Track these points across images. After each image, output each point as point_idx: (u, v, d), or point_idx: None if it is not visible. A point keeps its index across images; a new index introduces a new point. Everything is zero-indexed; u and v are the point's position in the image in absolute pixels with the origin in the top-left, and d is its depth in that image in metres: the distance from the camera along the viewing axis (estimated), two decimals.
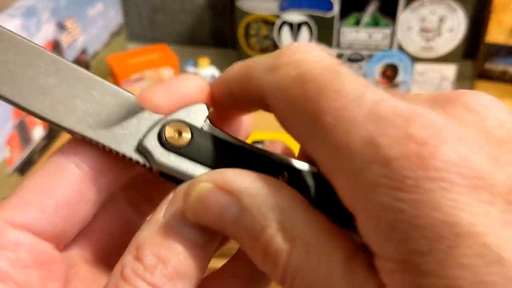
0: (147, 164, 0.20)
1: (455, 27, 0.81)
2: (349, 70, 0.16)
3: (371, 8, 0.81)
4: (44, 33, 0.71)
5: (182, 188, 0.18)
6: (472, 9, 0.79)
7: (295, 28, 0.84)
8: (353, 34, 0.84)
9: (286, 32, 0.85)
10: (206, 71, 0.82)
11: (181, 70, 0.85)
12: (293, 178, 0.19)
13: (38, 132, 0.72)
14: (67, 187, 0.19)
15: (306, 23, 0.83)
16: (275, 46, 0.86)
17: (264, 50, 0.87)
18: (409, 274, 0.14)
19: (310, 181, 0.19)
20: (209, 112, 0.20)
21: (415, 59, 0.85)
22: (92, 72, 0.21)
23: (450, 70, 0.85)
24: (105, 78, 0.21)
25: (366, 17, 0.82)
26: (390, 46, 0.84)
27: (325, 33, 0.84)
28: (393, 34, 0.83)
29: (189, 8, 1.02)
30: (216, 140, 0.20)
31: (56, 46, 0.75)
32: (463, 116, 0.15)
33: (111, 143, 0.19)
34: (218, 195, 0.17)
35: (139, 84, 0.83)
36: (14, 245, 0.18)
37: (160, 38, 1.04)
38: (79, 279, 0.20)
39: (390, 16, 0.81)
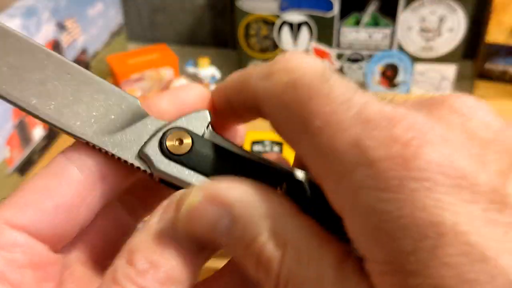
0: (148, 171, 0.20)
1: (455, 27, 0.81)
2: (339, 76, 0.17)
3: (371, 8, 0.81)
4: (44, 33, 0.71)
5: (174, 197, 0.18)
6: (472, 9, 0.79)
7: (295, 28, 0.84)
8: (353, 34, 0.84)
9: (286, 32, 0.85)
10: (206, 71, 0.82)
11: (181, 70, 0.85)
12: (292, 186, 0.19)
13: (38, 132, 0.72)
14: (69, 190, 0.19)
15: (306, 23, 0.83)
16: (275, 46, 0.86)
17: (264, 50, 0.87)
18: (397, 275, 0.14)
19: (308, 189, 0.19)
20: (211, 119, 0.21)
21: (415, 59, 0.85)
22: (98, 75, 0.21)
23: (450, 70, 0.85)
24: (105, 78, 0.21)
25: (366, 17, 0.82)
26: (390, 46, 0.84)
27: (325, 33, 0.84)
28: (393, 34, 0.83)
29: (189, 8, 1.02)
30: (216, 148, 0.20)
31: (56, 46, 0.75)
32: (448, 118, 0.15)
33: (114, 149, 0.20)
34: (209, 206, 0.17)
35: (139, 84, 0.83)
36: (11, 246, 0.18)
37: (160, 38, 1.04)
38: (73, 281, 0.20)
39: (390, 16, 0.81)
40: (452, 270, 0.13)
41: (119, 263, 0.17)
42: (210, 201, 0.17)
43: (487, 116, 0.16)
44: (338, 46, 0.85)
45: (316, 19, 0.83)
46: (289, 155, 0.22)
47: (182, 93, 0.21)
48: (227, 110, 0.21)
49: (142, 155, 0.20)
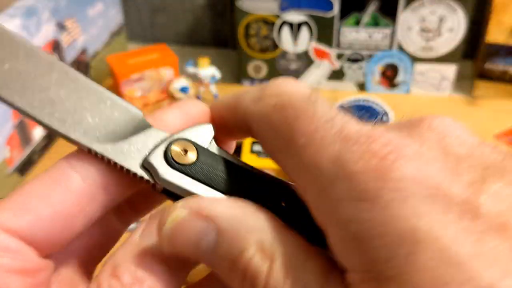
0: (151, 181, 0.20)
1: (455, 27, 0.81)
2: (324, 99, 0.18)
3: (371, 8, 0.81)
4: (44, 33, 0.71)
5: (157, 212, 0.19)
6: (472, 9, 0.79)
7: (295, 28, 0.84)
8: (353, 34, 0.84)
9: (286, 32, 0.85)
10: (206, 71, 0.82)
11: (181, 70, 0.85)
12: (293, 198, 0.19)
13: (38, 132, 0.72)
14: (68, 198, 0.19)
15: (306, 23, 0.83)
16: (275, 46, 0.86)
17: (264, 50, 0.87)
18: (375, 283, 0.14)
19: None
20: (214, 133, 0.21)
21: (415, 59, 0.85)
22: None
23: (450, 70, 0.85)
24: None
25: (366, 17, 0.82)
26: (390, 46, 0.84)
27: (325, 33, 0.84)
28: (393, 34, 0.83)
29: (189, 8, 1.02)
30: (221, 161, 0.20)
31: (56, 46, 0.75)
32: (425, 136, 0.16)
33: (117, 158, 0.19)
34: (194, 221, 0.17)
35: (139, 84, 0.83)
36: (2, 250, 0.18)
37: (160, 38, 1.04)
38: (60, 285, 0.20)
39: (390, 16, 0.81)
40: (427, 275, 0.14)
41: (103, 276, 0.18)
42: (195, 216, 0.17)
43: (463, 134, 0.17)
44: (338, 46, 0.85)
45: (316, 19, 0.83)
46: None
47: (188, 107, 0.22)
48: (221, 127, 0.22)
49: (146, 165, 0.19)
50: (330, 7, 0.82)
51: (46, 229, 0.18)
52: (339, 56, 0.86)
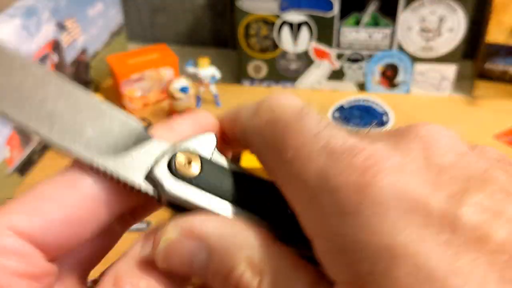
0: (156, 195, 0.19)
1: (455, 27, 0.81)
2: (315, 113, 0.18)
3: (371, 8, 0.81)
4: (44, 33, 0.71)
5: (154, 228, 0.19)
6: (472, 9, 0.79)
7: (295, 28, 0.84)
8: (353, 34, 0.84)
9: (286, 32, 0.85)
10: (206, 71, 0.82)
11: (181, 70, 0.85)
12: None
13: None
14: (81, 204, 0.19)
15: (306, 23, 0.83)
16: (275, 46, 0.86)
17: (264, 50, 0.87)
18: None
19: None
20: (216, 142, 0.21)
21: (415, 59, 0.85)
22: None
23: (450, 70, 0.85)
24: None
25: (366, 17, 0.82)
26: (390, 46, 0.84)
27: (325, 33, 0.84)
28: (393, 34, 0.83)
29: (189, 8, 1.02)
30: (225, 170, 0.20)
31: (56, 46, 0.75)
32: (410, 145, 0.16)
33: (120, 172, 0.19)
34: (185, 242, 0.18)
35: (139, 84, 0.83)
36: (9, 253, 0.17)
37: (160, 38, 1.04)
38: None
39: (390, 16, 0.81)
40: None
41: (106, 287, 0.18)
42: (186, 236, 0.18)
43: (450, 143, 0.17)
44: (338, 46, 0.85)
45: (316, 19, 0.83)
46: None
47: (199, 119, 0.22)
48: (222, 139, 0.23)
49: (151, 178, 0.19)
50: (330, 7, 0.82)
51: (57, 233, 0.18)
52: (339, 56, 0.86)
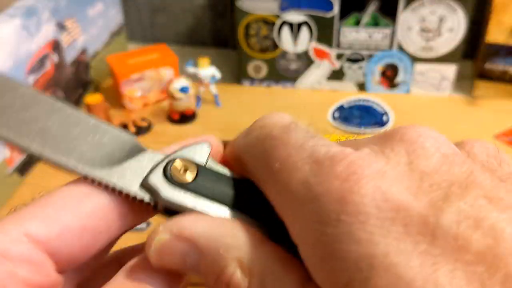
0: (152, 202, 0.19)
1: (455, 27, 0.81)
2: (303, 127, 0.19)
3: (371, 8, 0.81)
4: (44, 33, 0.71)
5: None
6: (472, 9, 0.79)
7: (295, 28, 0.84)
8: (353, 34, 0.84)
9: (286, 32, 0.85)
10: (206, 71, 0.82)
11: (181, 70, 0.85)
12: None
13: None
14: (98, 213, 0.19)
15: (306, 23, 0.83)
16: (275, 46, 0.86)
17: (264, 50, 0.87)
18: None
19: None
20: (210, 150, 0.21)
21: (415, 59, 0.85)
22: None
23: (450, 70, 0.85)
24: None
25: (366, 17, 0.82)
26: (390, 46, 0.84)
27: (325, 33, 0.84)
28: (393, 34, 0.83)
29: (189, 8, 1.02)
30: (220, 175, 0.20)
31: (56, 46, 0.75)
32: (395, 149, 0.17)
33: (115, 181, 0.19)
34: (176, 244, 0.18)
35: (139, 84, 0.83)
36: (22, 261, 0.17)
37: (160, 38, 1.04)
38: None
39: (390, 16, 0.81)
40: None
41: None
42: (177, 238, 0.18)
43: (435, 145, 0.17)
44: (338, 46, 0.85)
45: (316, 19, 0.83)
46: None
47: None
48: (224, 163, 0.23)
49: (146, 185, 0.19)
50: (330, 7, 0.82)
51: (72, 242, 0.18)
52: (339, 56, 0.86)
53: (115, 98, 0.83)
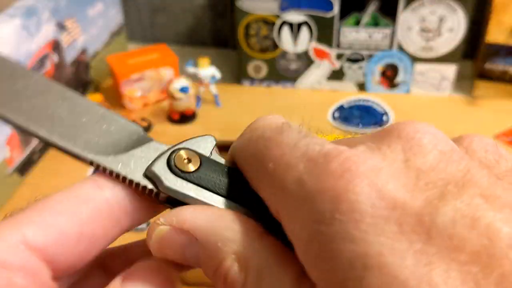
0: (155, 189, 0.20)
1: (455, 27, 0.81)
2: (296, 127, 0.19)
3: (371, 8, 0.81)
4: (44, 33, 0.71)
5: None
6: (472, 9, 0.79)
7: (295, 28, 0.84)
8: (353, 34, 0.84)
9: (286, 32, 0.85)
10: (206, 71, 0.82)
11: (181, 70, 0.85)
12: None
13: None
14: (95, 220, 0.18)
15: (306, 23, 0.83)
16: (275, 46, 0.86)
17: (264, 50, 0.87)
18: None
19: None
20: (216, 143, 0.21)
21: (415, 59, 0.85)
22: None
23: (450, 70, 0.85)
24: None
25: (366, 17, 0.82)
26: (390, 46, 0.84)
27: (325, 33, 0.84)
28: (393, 34, 0.83)
29: (189, 8, 1.02)
30: (223, 167, 0.20)
31: (56, 46, 0.75)
32: (392, 146, 0.16)
33: (120, 169, 0.19)
34: (176, 235, 0.18)
35: (139, 84, 0.83)
36: (20, 269, 0.17)
37: (160, 38, 1.04)
38: None
39: (390, 16, 0.81)
40: None
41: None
42: (176, 231, 0.18)
43: (433, 141, 0.16)
44: (338, 46, 0.85)
45: (316, 19, 0.83)
46: None
47: None
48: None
49: (149, 173, 0.20)
50: (330, 7, 0.82)
51: (69, 249, 0.18)
52: (339, 56, 0.86)
53: (115, 98, 0.83)
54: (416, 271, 0.13)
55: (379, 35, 0.83)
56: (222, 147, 0.22)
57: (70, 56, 0.79)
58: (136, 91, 0.82)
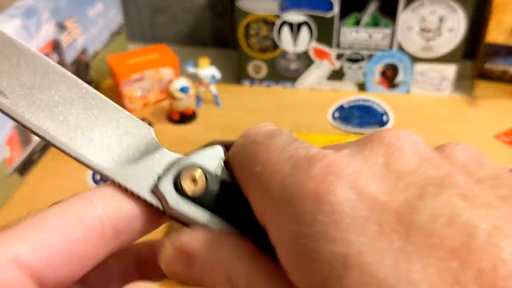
0: (161, 208, 0.20)
1: (455, 27, 0.81)
2: (286, 133, 0.19)
3: (371, 8, 0.81)
4: (44, 33, 0.71)
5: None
6: (472, 9, 0.79)
7: (295, 28, 0.84)
8: (353, 34, 0.84)
9: (286, 32, 0.85)
10: (206, 71, 0.82)
11: (181, 70, 0.85)
12: None
13: None
14: (87, 240, 0.18)
15: (306, 23, 0.83)
16: (275, 46, 0.86)
17: (264, 50, 0.87)
18: None
19: None
20: (224, 155, 0.21)
21: (415, 59, 0.85)
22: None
23: (450, 70, 0.85)
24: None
25: (366, 17, 0.82)
26: (390, 46, 0.84)
27: (325, 33, 0.84)
28: (393, 34, 0.83)
29: (189, 8, 1.02)
30: (230, 188, 0.20)
31: (56, 46, 0.75)
32: (374, 150, 0.17)
33: (127, 182, 0.19)
34: (178, 257, 0.19)
35: (139, 84, 0.83)
36: (9, 287, 0.17)
37: (160, 38, 1.04)
38: None
39: (390, 16, 0.81)
40: None
41: None
42: (178, 254, 0.19)
43: (414, 148, 0.17)
44: (338, 46, 0.85)
45: (316, 19, 0.83)
46: None
47: None
48: None
49: (156, 192, 0.20)
50: (330, 7, 0.82)
51: (59, 268, 0.18)
52: (339, 56, 0.86)
53: (115, 98, 0.83)
54: (395, 269, 0.14)
55: (379, 35, 0.83)
56: (222, 147, 0.22)
57: (70, 56, 0.79)
58: (136, 91, 0.82)
